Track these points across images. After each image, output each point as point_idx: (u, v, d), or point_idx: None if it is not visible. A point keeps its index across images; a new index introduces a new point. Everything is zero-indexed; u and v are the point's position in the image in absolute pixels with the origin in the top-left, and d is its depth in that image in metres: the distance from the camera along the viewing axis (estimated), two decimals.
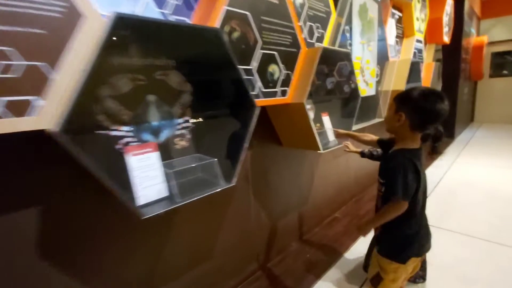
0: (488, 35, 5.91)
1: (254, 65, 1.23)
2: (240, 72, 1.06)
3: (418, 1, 3.01)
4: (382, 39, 2.52)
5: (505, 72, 6.40)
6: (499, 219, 2.17)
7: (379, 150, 1.39)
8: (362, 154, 1.52)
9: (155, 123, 1.09)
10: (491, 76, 6.50)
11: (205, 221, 1.37)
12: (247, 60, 1.20)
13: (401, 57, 2.81)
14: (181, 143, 1.08)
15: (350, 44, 2.07)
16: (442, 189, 2.78)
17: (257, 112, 1.12)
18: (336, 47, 1.82)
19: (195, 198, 0.95)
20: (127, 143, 1.02)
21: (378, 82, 2.60)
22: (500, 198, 2.56)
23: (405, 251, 1.07)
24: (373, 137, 1.40)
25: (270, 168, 1.72)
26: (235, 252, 1.54)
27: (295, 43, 1.44)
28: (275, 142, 1.72)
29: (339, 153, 2.33)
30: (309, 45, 1.58)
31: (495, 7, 5.96)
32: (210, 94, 1.19)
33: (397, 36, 2.91)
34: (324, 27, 1.75)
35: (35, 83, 0.67)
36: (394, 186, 1.00)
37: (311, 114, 1.85)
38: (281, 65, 1.37)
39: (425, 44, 3.54)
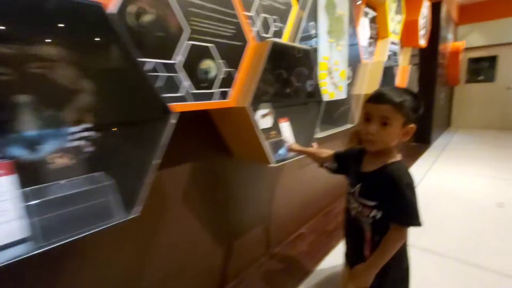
0: (465, 40, 5.94)
1: (178, 59, 0.97)
2: (140, 66, 0.80)
3: (394, 1, 2.86)
4: (353, 39, 2.33)
5: (481, 77, 6.47)
6: (476, 235, 2.02)
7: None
8: (322, 163, 1.29)
9: (31, 132, 0.81)
10: (467, 81, 6.55)
11: (135, 249, 1.09)
12: (166, 53, 0.94)
13: (374, 59, 2.64)
14: (60, 161, 0.81)
15: (316, 42, 1.86)
16: None
17: (172, 120, 0.86)
18: (296, 44, 1.60)
19: (70, 240, 0.68)
20: None
21: (350, 85, 2.41)
22: (477, 210, 2.42)
23: None
24: (329, 152, 1.21)
25: (219, 182, 1.47)
26: (178, 282, 1.27)
27: (239, 36, 1.19)
28: (225, 153, 1.47)
29: (307, 162, 2.11)
30: (264, 40, 1.35)
31: (472, 13, 6.01)
32: (117, 94, 0.92)
33: (371, 37, 2.74)
34: (284, 21, 1.52)
35: None
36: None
37: (267, 120, 1.62)
38: (220, 61, 1.12)
39: (402, 47, 3.41)
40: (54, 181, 0.78)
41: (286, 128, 1.63)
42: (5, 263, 0.62)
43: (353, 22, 2.31)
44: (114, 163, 0.89)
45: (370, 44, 2.69)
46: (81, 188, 0.82)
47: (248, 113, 1.14)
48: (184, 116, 0.98)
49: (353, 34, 2.34)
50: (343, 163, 1.12)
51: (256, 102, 1.52)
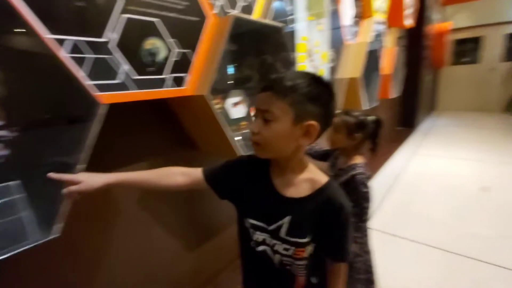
0: (452, 21, 5.83)
1: (111, 36, 0.78)
2: (47, 46, 0.61)
3: None
4: (335, 17, 2.15)
5: (466, 59, 6.44)
6: (460, 222, 1.97)
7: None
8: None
9: None
10: (453, 63, 6.51)
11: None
12: (93, 28, 0.75)
13: (357, 40, 2.47)
14: None
15: (293, 21, 1.67)
16: (400, 187, 2.54)
17: (100, 111, 0.69)
18: (266, 20, 1.41)
19: None
20: None
21: (333, 69, 2.25)
22: (461, 195, 2.37)
23: None
24: (186, 171, 0.73)
25: None
26: None
27: (194, 9, 1.00)
28: (190, 147, 1.30)
29: None
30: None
31: None
32: (29, 85, 0.73)
33: (356, 16, 2.56)
34: None
35: None
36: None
37: (240, 110, 1.45)
38: (170, 40, 0.93)
39: (388, 27, 3.25)
40: None
41: None
42: None
43: None
44: (30, 170, 0.72)
45: (354, 24, 2.52)
46: None
47: (208, 102, 0.97)
48: (136, 107, 0.81)
49: (335, 12, 2.15)
50: (226, 184, 0.72)
51: (225, 90, 1.35)
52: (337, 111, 0.90)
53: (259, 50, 1.42)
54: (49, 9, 0.65)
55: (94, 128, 0.68)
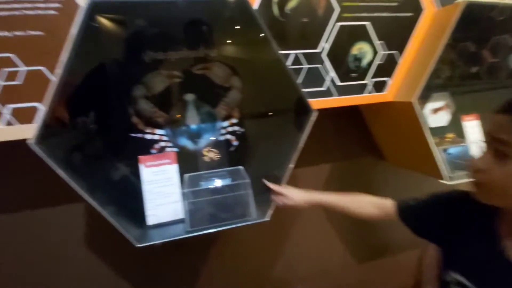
0: None
1: (323, 46, 0.83)
2: (283, 61, 0.72)
3: None
4: None
5: None
6: None
7: None
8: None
9: (193, 126, 0.95)
10: None
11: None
12: (311, 41, 0.82)
13: None
14: (210, 155, 0.88)
15: None
16: None
17: (312, 117, 0.75)
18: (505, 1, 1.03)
19: (208, 231, 0.73)
20: (162, 148, 0.93)
21: None
22: None
23: None
24: (377, 202, 0.70)
25: (365, 188, 1.23)
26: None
27: (408, 3, 0.88)
28: (375, 155, 1.21)
29: None
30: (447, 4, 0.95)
31: None
32: (261, 91, 0.91)
33: None
34: None
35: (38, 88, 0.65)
36: None
37: (442, 117, 1.18)
38: (377, 43, 0.87)
39: None
40: (204, 171, 0.87)
41: (473, 128, 1.14)
42: (170, 239, 0.73)
43: None
44: (252, 160, 0.90)
45: None
46: (224, 179, 0.87)
47: (415, 110, 0.84)
48: (325, 110, 0.84)
49: None
50: (429, 223, 0.60)
51: (426, 93, 1.14)
52: None
53: (481, 38, 1.08)
54: (286, 29, 0.77)
55: (306, 132, 0.75)
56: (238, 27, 0.79)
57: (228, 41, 0.89)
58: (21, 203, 0.88)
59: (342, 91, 0.87)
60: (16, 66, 0.63)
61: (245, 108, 0.95)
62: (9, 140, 0.64)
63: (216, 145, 0.93)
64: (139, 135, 0.90)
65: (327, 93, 0.86)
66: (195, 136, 0.95)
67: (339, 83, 0.86)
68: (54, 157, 0.61)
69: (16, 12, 0.61)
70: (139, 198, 0.77)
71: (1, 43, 0.61)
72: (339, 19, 0.82)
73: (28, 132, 0.63)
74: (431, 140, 0.89)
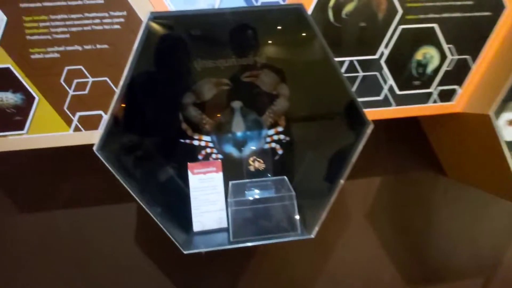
0: None
1: (383, 52, 0.76)
2: (338, 68, 0.67)
3: None
4: None
5: None
6: None
7: None
8: None
9: (239, 134, 0.94)
10: None
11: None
12: (369, 46, 0.76)
13: None
14: (255, 165, 0.86)
15: None
16: None
17: (367, 130, 0.69)
18: None
19: (251, 244, 0.72)
20: (208, 155, 0.94)
21: None
22: None
23: None
24: None
25: (420, 205, 1.13)
26: None
27: (486, 1, 0.77)
28: (434, 170, 1.09)
29: None
30: None
31: None
32: (310, 99, 0.87)
33: None
34: None
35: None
36: None
37: None
38: (446, 46, 0.78)
39: None
40: (249, 182, 0.86)
41: None
42: (214, 249, 0.73)
43: None
44: (298, 170, 0.87)
45: None
46: (268, 190, 0.85)
47: (492, 124, 0.73)
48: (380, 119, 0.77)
49: None
50: None
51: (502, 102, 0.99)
52: None
53: None
54: (342, 35, 0.72)
55: (360, 146, 0.69)
56: (290, 34, 0.77)
57: (278, 48, 0.87)
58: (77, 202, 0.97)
59: (402, 100, 0.79)
60: (85, 77, 0.68)
61: (292, 116, 0.93)
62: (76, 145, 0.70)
63: (261, 153, 0.92)
64: (188, 141, 0.93)
65: (384, 103, 0.78)
66: (240, 144, 0.95)
67: (398, 91, 0.79)
68: (113, 162, 0.64)
69: (86, 28, 0.66)
70: (187, 202, 0.79)
71: (74, 56, 0.67)
72: (402, 21, 0.75)
73: (92, 138, 0.68)
74: (508, 156, 0.77)
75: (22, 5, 0.64)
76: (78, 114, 0.69)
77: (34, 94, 0.68)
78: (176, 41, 0.77)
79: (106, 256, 1.01)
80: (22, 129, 0.69)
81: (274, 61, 0.87)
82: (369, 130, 0.68)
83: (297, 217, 0.73)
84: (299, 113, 0.91)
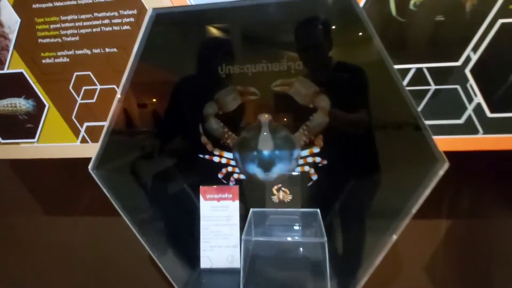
0: None
1: (469, 57, 0.54)
2: (396, 78, 0.48)
3: None
4: None
5: None
6: None
7: None
8: None
9: (266, 152, 0.79)
10: None
11: None
12: (448, 49, 0.54)
13: None
14: (280, 195, 0.70)
15: None
16: None
17: (439, 171, 0.48)
18: None
19: None
20: (229, 174, 0.81)
21: None
22: None
23: None
24: None
25: (495, 253, 0.84)
26: None
27: None
28: None
29: None
30: None
31: None
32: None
33: None
34: None
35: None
36: None
37: None
38: None
39: None
40: (272, 208, 0.70)
41: None
42: None
43: None
44: (335, 203, 0.69)
45: None
46: (295, 227, 0.68)
47: None
48: None
49: None
50: None
51: None
52: None
53: None
54: (406, 34, 0.53)
55: (429, 189, 0.49)
56: (334, 32, 0.59)
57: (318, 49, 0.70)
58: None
59: (494, 126, 0.55)
60: (93, 84, 0.61)
61: (332, 135, 0.74)
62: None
63: (290, 180, 0.75)
64: (207, 156, 0.81)
65: (466, 129, 0.56)
66: (267, 164, 0.80)
67: (489, 114, 0.55)
68: (111, 182, 0.56)
69: (95, 29, 0.59)
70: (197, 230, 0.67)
71: (83, 60, 0.61)
72: (501, 13, 0.52)
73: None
74: None
75: (35, 5, 0.59)
76: (86, 124, 0.63)
77: (44, 101, 0.63)
78: (197, 41, 0.66)
79: (120, 267, 0.97)
80: (33, 137, 0.65)
81: (314, 66, 0.70)
82: (442, 171, 0.47)
83: (328, 280, 0.54)
84: (341, 133, 0.73)
